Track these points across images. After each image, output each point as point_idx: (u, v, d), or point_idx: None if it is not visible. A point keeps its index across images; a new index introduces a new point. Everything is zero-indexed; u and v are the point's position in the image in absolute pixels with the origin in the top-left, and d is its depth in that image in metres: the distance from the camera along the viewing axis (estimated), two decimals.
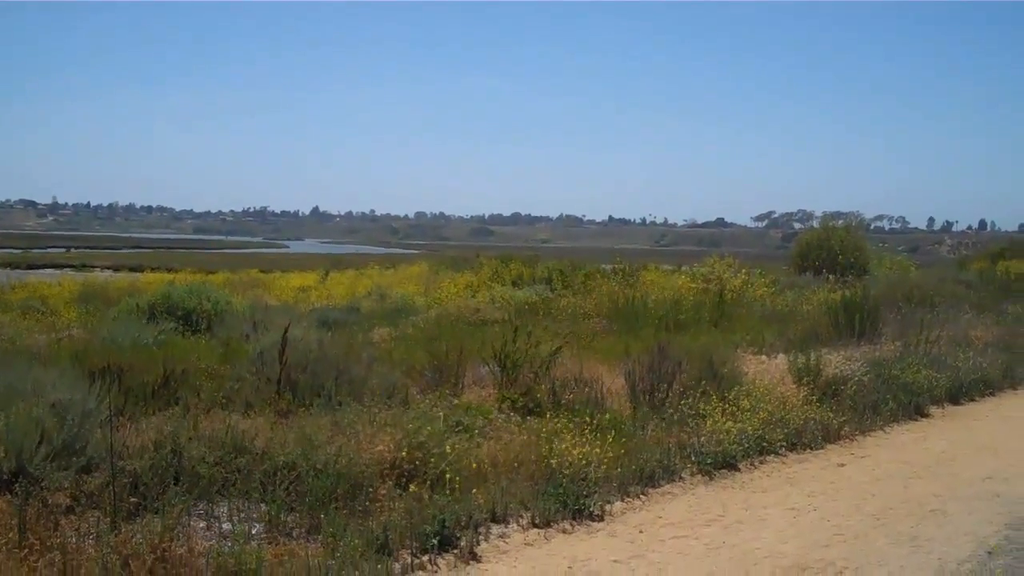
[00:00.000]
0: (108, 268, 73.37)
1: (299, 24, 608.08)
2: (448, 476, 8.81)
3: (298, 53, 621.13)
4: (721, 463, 11.02)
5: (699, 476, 10.74)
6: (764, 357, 17.52)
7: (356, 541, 7.54)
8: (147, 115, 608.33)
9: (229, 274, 50.00)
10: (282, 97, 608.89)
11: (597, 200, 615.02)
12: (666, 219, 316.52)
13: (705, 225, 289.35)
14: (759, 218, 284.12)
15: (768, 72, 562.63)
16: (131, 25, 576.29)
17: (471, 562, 7.89)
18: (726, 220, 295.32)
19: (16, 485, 7.83)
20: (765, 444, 11.74)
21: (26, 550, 6.74)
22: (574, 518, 9.01)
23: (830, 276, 30.12)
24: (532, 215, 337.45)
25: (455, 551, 7.97)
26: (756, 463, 11.41)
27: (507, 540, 8.41)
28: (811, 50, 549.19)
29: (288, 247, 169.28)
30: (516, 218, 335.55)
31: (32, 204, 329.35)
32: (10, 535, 7.00)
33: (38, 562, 6.59)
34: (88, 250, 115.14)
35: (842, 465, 11.71)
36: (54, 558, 6.67)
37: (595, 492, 9.43)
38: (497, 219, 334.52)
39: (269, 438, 9.42)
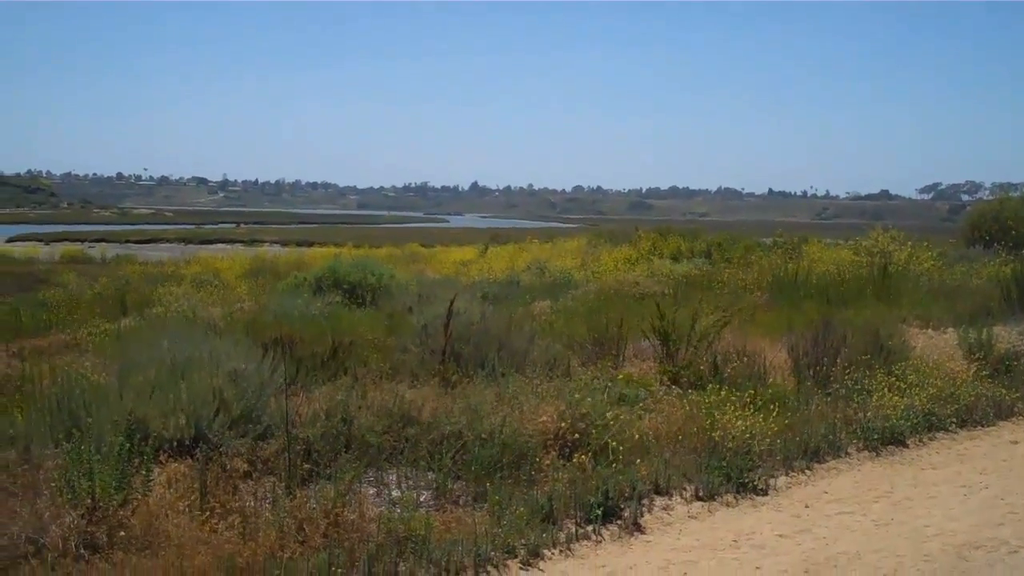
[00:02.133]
0: (276, 243, 75.67)
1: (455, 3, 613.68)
2: (611, 447, 8.85)
3: (457, 32, 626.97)
4: (888, 439, 10.78)
5: (865, 452, 10.54)
6: (931, 332, 17.03)
7: (521, 509, 7.66)
8: (312, 95, 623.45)
9: (392, 248, 50.95)
10: (443, 74, 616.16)
11: (757, 172, 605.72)
12: (828, 192, 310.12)
13: (868, 198, 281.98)
14: (924, 190, 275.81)
15: (934, 38, 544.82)
16: (295, 10, 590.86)
17: (635, 533, 7.93)
18: (890, 192, 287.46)
19: (197, 450, 8.19)
20: (934, 420, 11.45)
21: (207, 512, 7.04)
22: (738, 492, 8.96)
23: (1001, 249, 28.93)
24: (690, 188, 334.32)
25: (619, 522, 8.02)
26: (925, 439, 11.14)
27: (671, 512, 8.42)
28: (975, 15, 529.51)
29: (448, 221, 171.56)
30: (674, 191, 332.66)
31: (204, 181, 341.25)
32: (192, 498, 7.33)
33: (219, 524, 6.89)
34: (257, 225, 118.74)
35: (1015, 443, 11.34)
36: (234, 521, 6.96)
37: (759, 466, 9.37)
38: (654, 192, 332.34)
39: (435, 408, 9.59)
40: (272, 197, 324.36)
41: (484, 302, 16.85)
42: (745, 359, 12.60)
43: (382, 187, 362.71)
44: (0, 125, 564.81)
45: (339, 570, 6.51)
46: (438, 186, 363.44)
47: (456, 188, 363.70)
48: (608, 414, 9.47)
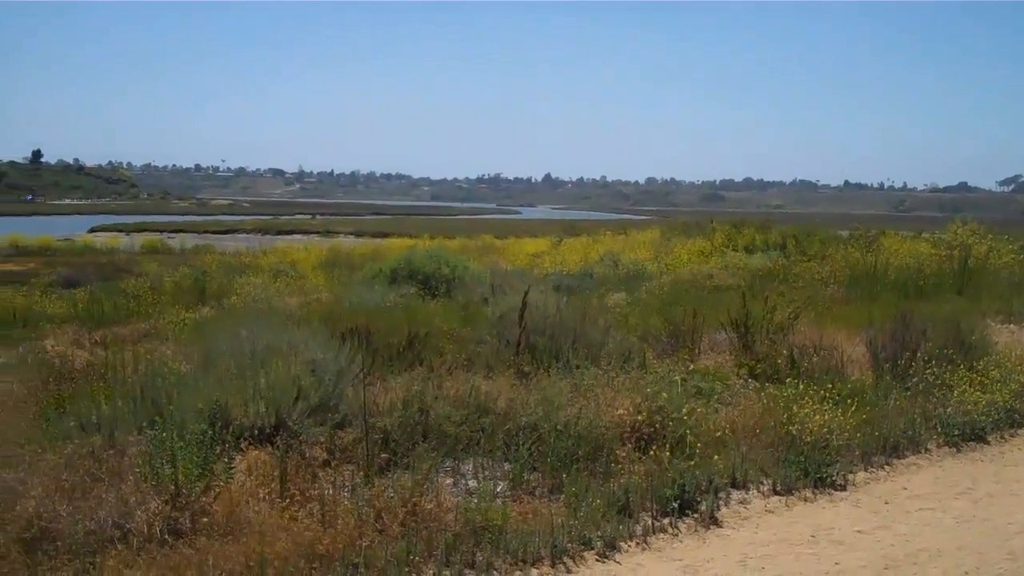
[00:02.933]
0: (351, 234, 76.31)
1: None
2: (688, 440, 8.81)
3: (530, 24, 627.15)
4: (969, 435, 10.60)
5: (946, 448, 10.38)
6: (1014, 327, 16.73)
7: (597, 501, 7.65)
8: (386, 87, 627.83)
9: (465, 240, 51.02)
10: (515, 66, 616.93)
11: (832, 164, 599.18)
12: (905, 184, 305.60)
13: (947, 190, 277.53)
14: (1005, 182, 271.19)
15: (1012, 30, 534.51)
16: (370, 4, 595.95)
17: (712, 526, 7.89)
18: (969, 184, 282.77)
19: (277, 438, 8.30)
20: (1016, 416, 11.24)
21: (288, 500, 7.13)
22: (815, 487, 8.87)
23: None
24: (764, 180, 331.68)
25: (695, 515, 7.98)
26: (1007, 436, 10.94)
27: (748, 506, 8.36)
28: None
29: (521, 213, 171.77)
30: (748, 183, 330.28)
31: (280, 173, 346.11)
32: (272, 485, 7.43)
33: (299, 511, 6.97)
34: (332, 217, 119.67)
35: None
36: (313, 508, 7.04)
37: (837, 461, 9.25)
38: (728, 184, 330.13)
39: (511, 399, 9.61)
40: (347, 188, 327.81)
41: (558, 294, 16.85)
42: (822, 353, 12.47)
43: (455, 179, 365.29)
44: (83, 117, 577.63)
45: (417, 559, 6.57)
46: (511, 178, 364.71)
47: (529, 180, 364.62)
48: (684, 407, 9.43)
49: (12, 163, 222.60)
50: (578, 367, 11.10)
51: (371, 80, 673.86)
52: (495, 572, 6.73)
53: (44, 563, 6.01)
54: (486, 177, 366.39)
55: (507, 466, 8.41)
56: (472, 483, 8.15)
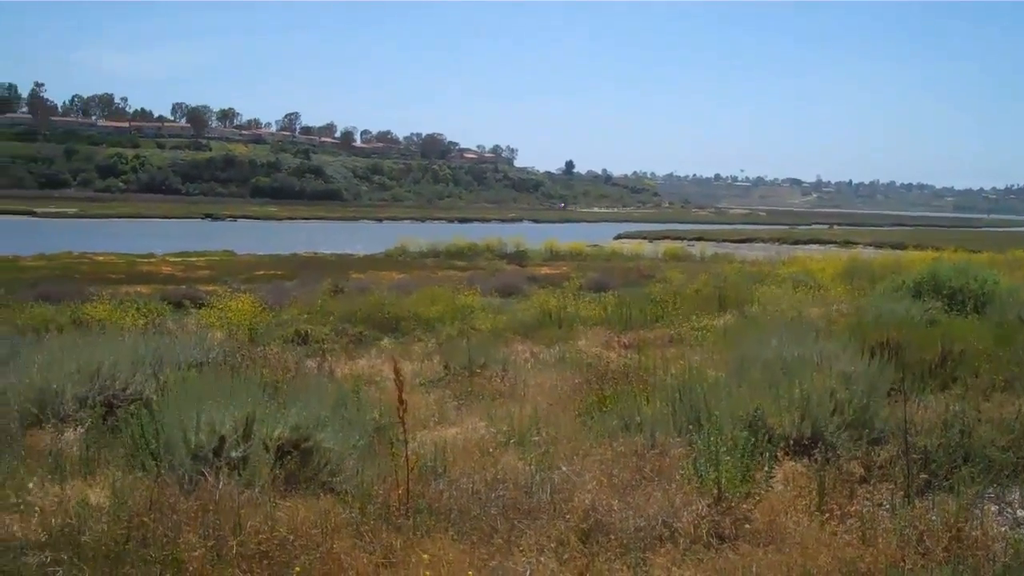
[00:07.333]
0: (869, 245, 74.58)
1: None
2: None
3: None
4: None
5: None
6: None
7: None
8: (902, 89, 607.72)
9: (993, 254, 48.29)
10: None
11: None
12: None
13: None
14: None
15: None
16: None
17: None
18: None
19: (813, 451, 8.29)
20: None
21: (826, 515, 7.10)
22: None
23: None
24: None
25: None
26: None
27: None
28: None
29: None
30: None
31: (797, 182, 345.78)
32: (810, 498, 7.42)
33: (838, 527, 6.91)
34: (850, 227, 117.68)
35: None
36: (852, 524, 6.95)
37: None
38: None
39: None
40: (865, 198, 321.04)
41: None
42: None
43: (981, 189, 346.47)
44: (610, 132, 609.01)
45: None
46: None
47: None
48: None
49: (548, 173, 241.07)
50: None
51: (886, 85, 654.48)
52: None
53: (600, 554, 6.36)
54: (1016, 187, 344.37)
55: None
56: (1020, 513, 7.70)
